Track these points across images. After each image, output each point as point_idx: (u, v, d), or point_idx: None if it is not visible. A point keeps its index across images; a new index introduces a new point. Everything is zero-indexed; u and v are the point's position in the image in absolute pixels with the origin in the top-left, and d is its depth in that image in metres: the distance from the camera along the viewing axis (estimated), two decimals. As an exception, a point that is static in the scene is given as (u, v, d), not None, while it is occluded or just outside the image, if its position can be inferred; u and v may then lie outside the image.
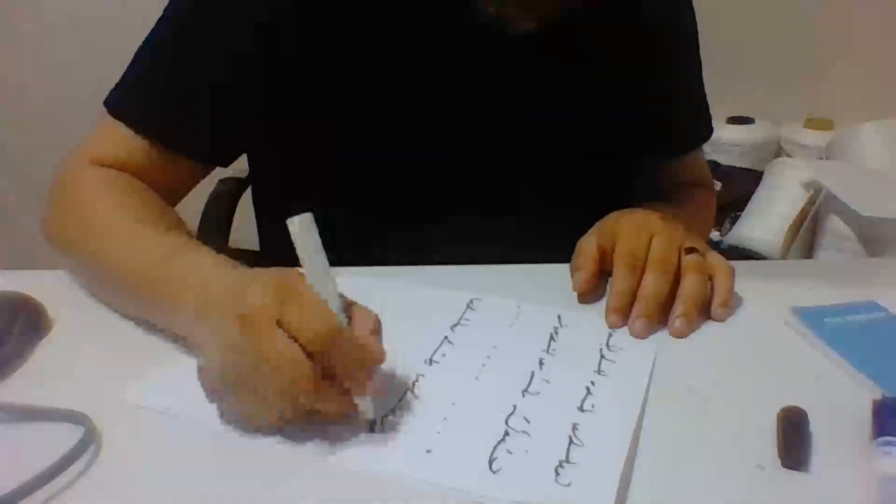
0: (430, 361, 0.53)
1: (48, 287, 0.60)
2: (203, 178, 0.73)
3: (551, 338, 0.56)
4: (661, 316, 0.58)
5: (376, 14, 0.66)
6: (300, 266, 0.44)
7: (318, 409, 0.43)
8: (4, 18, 1.73)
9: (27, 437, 0.45)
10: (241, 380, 0.43)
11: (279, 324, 0.42)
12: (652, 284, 0.58)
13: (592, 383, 0.50)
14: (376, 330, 0.46)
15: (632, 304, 0.58)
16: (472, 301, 0.61)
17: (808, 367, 0.53)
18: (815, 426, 0.45)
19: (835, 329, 0.56)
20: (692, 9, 0.80)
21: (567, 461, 0.42)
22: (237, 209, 1.00)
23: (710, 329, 0.58)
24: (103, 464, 0.43)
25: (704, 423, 0.47)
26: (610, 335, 0.56)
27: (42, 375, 0.52)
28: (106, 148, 0.67)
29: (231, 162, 0.75)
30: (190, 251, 0.55)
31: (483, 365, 0.52)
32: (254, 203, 0.85)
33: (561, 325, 0.58)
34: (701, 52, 0.82)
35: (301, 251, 0.44)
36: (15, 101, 1.76)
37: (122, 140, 0.66)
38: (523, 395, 0.49)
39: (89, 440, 0.43)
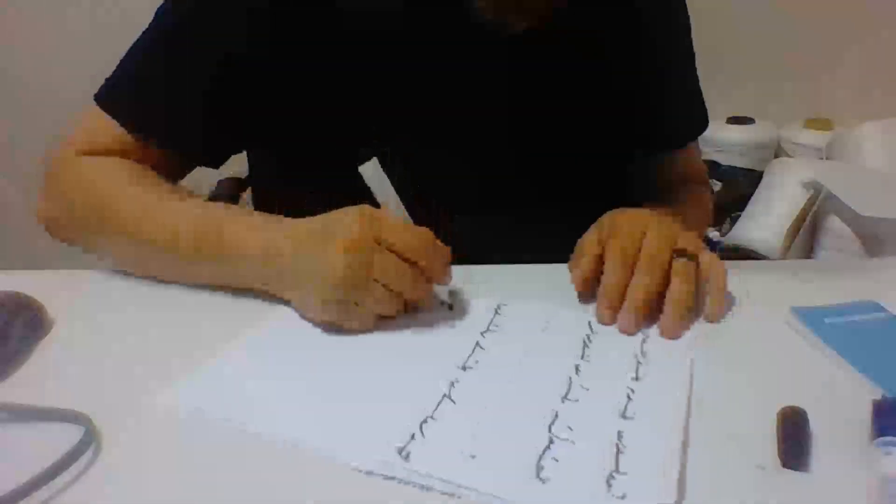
0: (465, 367, 0.52)
1: (48, 287, 0.60)
2: (188, 171, 0.74)
3: (584, 344, 0.55)
4: (651, 312, 0.57)
5: (370, 15, 0.66)
6: None
7: (417, 298, 0.56)
8: (5, 18, 1.73)
9: (27, 437, 0.45)
10: (352, 297, 0.53)
11: (379, 243, 0.53)
12: (641, 281, 0.58)
13: (632, 390, 0.49)
14: (435, 240, 0.56)
15: (622, 300, 0.58)
16: (499, 307, 0.60)
17: (808, 367, 0.53)
18: (815, 426, 0.45)
19: (835, 329, 0.56)
20: (684, 3, 0.80)
21: (618, 471, 0.42)
22: (237, 209, 0.99)
23: (710, 329, 0.58)
24: (103, 464, 0.43)
25: (704, 423, 0.47)
26: (644, 341, 0.56)
27: (42, 375, 0.52)
28: (94, 138, 0.69)
29: (221, 163, 0.75)
30: (231, 210, 0.64)
31: (519, 370, 0.52)
32: (253, 203, 0.85)
33: (593, 331, 0.57)
34: (702, 52, 0.83)
35: (376, 188, 0.59)
36: (16, 101, 1.76)
37: (110, 132, 0.68)
38: (563, 402, 0.48)
39: (89, 440, 0.43)
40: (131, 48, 0.70)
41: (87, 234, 0.66)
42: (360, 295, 0.53)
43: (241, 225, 0.59)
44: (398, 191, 0.63)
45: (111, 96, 0.69)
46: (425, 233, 0.55)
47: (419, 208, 0.69)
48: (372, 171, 0.58)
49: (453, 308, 0.60)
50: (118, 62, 0.70)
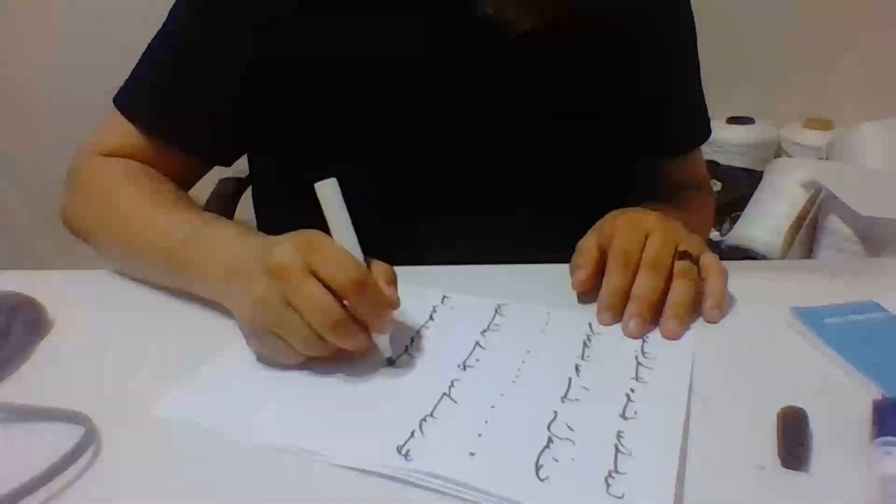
0: (464, 366, 0.52)
1: (48, 287, 0.60)
2: (206, 172, 0.76)
3: (585, 344, 0.55)
4: (654, 315, 0.57)
5: (376, 20, 0.66)
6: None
7: (344, 346, 0.49)
8: (5, 19, 1.73)
9: (27, 437, 0.45)
10: (270, 326, 0.48)
11: (311, 273, 0.47)
12: (644, 284, 0.58)
13: (632, 390, 0.49)
14: (392, 280, 0.51)
15: (624, 303, 0.58)
16: (499, 307, 0.60)
17: (808, 367, 0.53)
18: (815, 426, 0.45)
19: (835, 329, 0.56)
20: (690, 9, 0.80)
21: (616, 471, 0.42)
22: (237, 209, 1.00)
23: (710, 329, 0.58)
24: (103, 464, 0.43)
25: (704, 423, 0.47)
26: (644, 342, 0.56)
27: (42, 375, 0.52)
28: (114, 140, 0.70)
29: (234, 160, 0.76)
30: (211, 225, 0.61)
31: (519, 370, 0.52)
32: (254, 203, 0.85)
33: (593, 331, 0.57)
34: (701, 52, 0.82)
35: (328, 212, 0.50)
36: (15, 102, 1.76)
37: (129, 134, 0.69)
38: (563, 402, 0.48)
39: (89, 440, 0.43)
40: (147, 49, 0.70)
41: (91, 234, 0.67)
42: (275, 327, 0.48)
43: (217, 243, 0.57)
44: (392, 198, 0.63)
45: (127, 99, 0.70)
46: (364, 269, 0.49)
47: (416, 213, 0.69)
48: (327, 192, 0.50)
49: (394, 364, 0.52)
50: (135, 65, 0.71)
